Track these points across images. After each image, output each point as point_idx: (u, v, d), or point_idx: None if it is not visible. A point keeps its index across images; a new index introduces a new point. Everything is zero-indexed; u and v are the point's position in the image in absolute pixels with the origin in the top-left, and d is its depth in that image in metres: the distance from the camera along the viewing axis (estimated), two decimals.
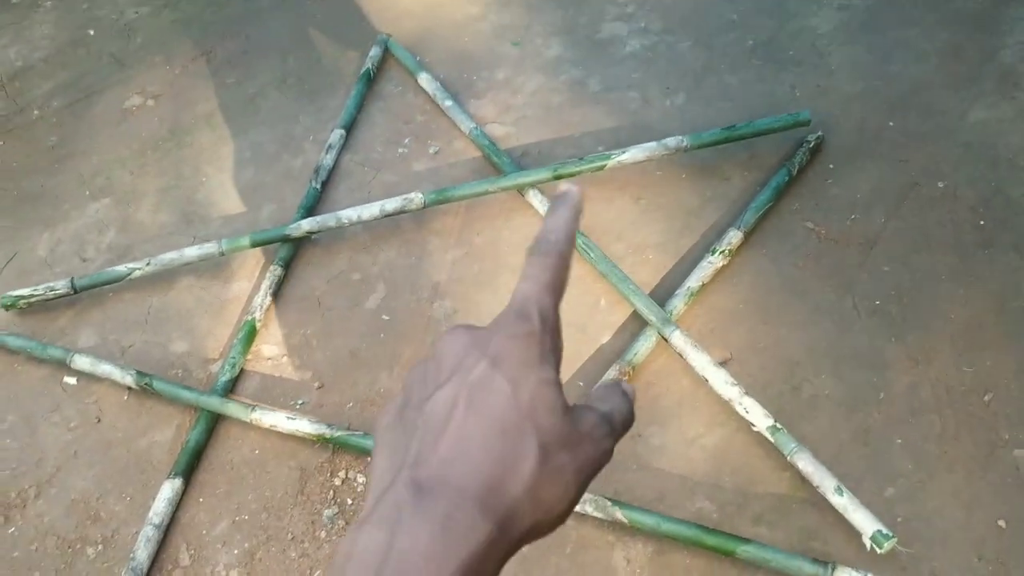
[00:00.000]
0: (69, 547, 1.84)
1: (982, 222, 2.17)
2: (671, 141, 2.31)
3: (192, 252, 2.24)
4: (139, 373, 2.01)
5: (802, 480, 1.77)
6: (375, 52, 2.81)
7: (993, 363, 1.90)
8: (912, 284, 2.06)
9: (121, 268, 2.23)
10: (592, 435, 0.46)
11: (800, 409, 1.86)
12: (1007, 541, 1.66)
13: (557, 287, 0.48)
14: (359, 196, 2.43)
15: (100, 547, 1.83)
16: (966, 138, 2.36)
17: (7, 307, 2.23)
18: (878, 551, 1.59)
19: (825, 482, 1.68)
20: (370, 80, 2.76)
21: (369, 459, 1.88)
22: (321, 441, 1.87)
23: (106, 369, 2.04)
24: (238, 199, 2.49)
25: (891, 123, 2.43)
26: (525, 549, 1.58)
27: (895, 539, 1.59)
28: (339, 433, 1.85)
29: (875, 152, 2.36)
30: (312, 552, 1.77)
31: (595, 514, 1.69)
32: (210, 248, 2.24)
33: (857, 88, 2.54)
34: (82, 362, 2.06)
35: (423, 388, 0.46)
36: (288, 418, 1.89)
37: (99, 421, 2.03)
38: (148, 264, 2.22)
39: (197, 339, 2.16)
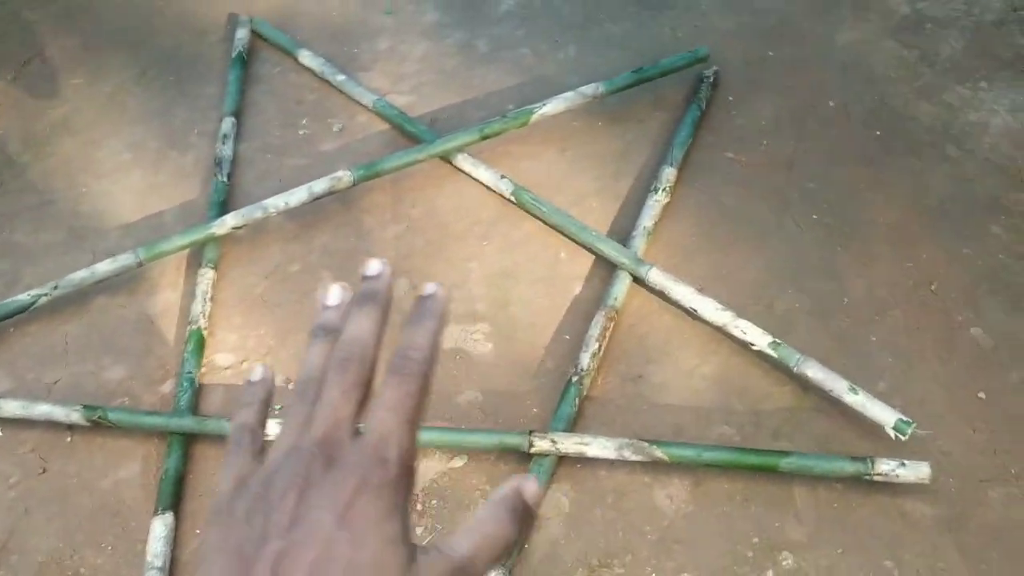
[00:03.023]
0: None
1: (878, 132, 2.28)
2: (587, 89, 2.25)
3: (105, 267, 1.92)
4: (86, 407, 1.70)
5: (804, 390, 1.78)
6: (242, 34, 2.53)
7: (927, 256, 2.00)
8: (838, 196, 2.13)
9: (22, 297, 1.88)
10: None
11: (779, 325, 1.86)
12: (990, 409, 1.75)
13: (418, 417, 0.44)
14: (270, 184, 2.18)
15: None
16: (841, 59, 2.47)
17: None
18: (902, 439, 1.62)
19: (837, 385, 1.69)
20: (244, 64, 2.49)
21: None
22: None
23: (44, 410, 1.70)
24: (132, 205, 2.17)
25: (770, 52, 2.50)
26: (567, 506, 1.47)
27: (915, 424, 1.63)
28: None
29: (764, 82, 2.42)
30: None
31: (634, 457, 1.62)
32: (126, 259, 1.93)
33: (730, 25, 2.59)
34: (11, 407, 1.70)
35: (253, 527, 0.40)
36: (280, 424, 1.66)
37: (44, 471, 1.70)
38: (56, 288, 1.89)
39: (134, 361, 1.86)
